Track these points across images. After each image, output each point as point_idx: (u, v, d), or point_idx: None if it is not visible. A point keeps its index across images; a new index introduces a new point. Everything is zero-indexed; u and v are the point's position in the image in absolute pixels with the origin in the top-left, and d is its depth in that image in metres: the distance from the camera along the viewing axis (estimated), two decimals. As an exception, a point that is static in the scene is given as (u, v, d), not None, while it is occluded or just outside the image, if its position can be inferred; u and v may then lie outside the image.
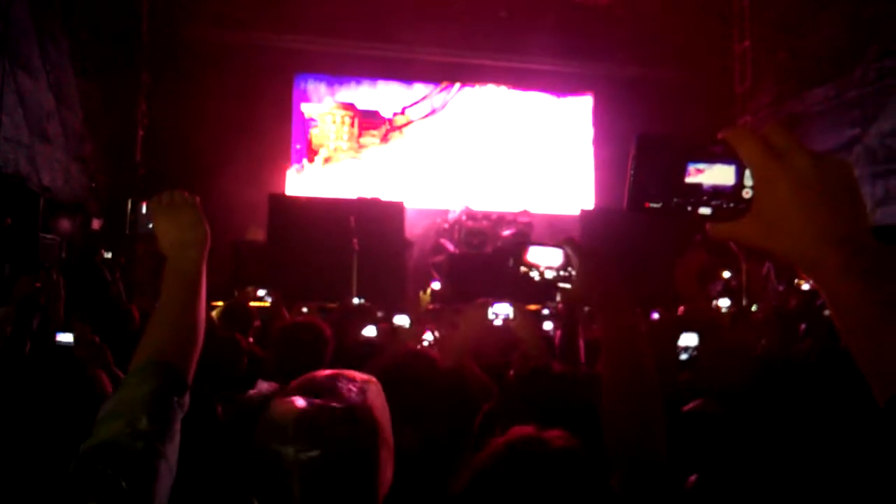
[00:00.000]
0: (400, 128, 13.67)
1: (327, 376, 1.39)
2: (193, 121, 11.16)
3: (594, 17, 13.00)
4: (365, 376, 1.42)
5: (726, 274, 8.86)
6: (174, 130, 11.21)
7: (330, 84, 13.44)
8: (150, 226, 1.56)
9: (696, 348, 3.00)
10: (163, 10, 11.66)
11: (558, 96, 14.20)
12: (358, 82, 13.51)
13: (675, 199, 0.79)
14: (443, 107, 13.84)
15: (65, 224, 9.10)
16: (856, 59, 10.09)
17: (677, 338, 3.04)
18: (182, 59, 11.44)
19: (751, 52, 12.67)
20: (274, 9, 11.91)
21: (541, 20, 12.86)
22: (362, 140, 13.46)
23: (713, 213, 0.79)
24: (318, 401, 1.30)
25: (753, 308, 6.91)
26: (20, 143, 7.79)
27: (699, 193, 0.79)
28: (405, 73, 13.42)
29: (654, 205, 0.79)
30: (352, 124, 13.45)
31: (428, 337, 4.52)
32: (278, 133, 12.87)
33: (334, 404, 1.30)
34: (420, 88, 13.77)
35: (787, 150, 0.74)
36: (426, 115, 13.78)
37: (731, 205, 0.78)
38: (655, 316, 6.52)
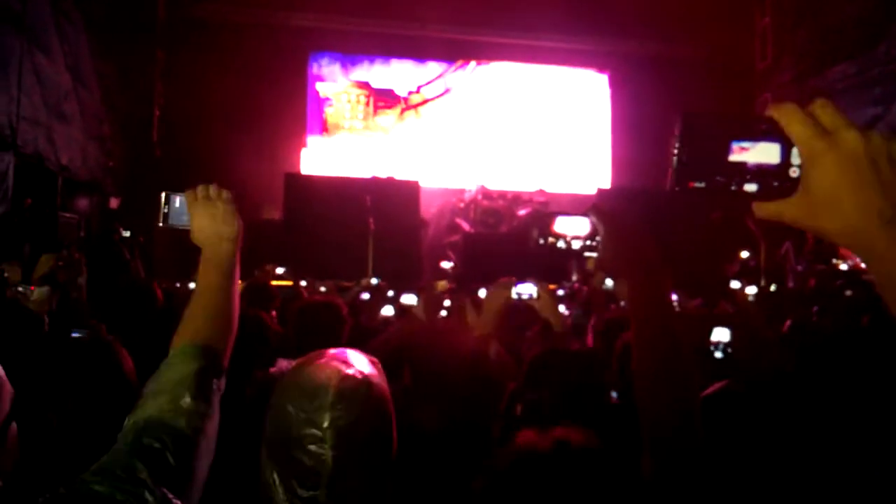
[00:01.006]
0: (415, 106, 13.61)
1: (339, 352, 1.42)
2: (209, 99, 11.18)
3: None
4: (368, 356, 1.45)
5: (744, 254, 8.80)
6: (190, 109, 11.24)
7: (344, 64, 13.38)
8: (185, 218, 1.62)
9: (728, 344, 2.90)
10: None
11: (574, 69, 14.05)
12: (371, 61, 13.45)
13: (718, 178, 0.78)
14: (458, 86, 13.76)
15: (83, 203, 9.18)
16: (878, 35, 9.92)
17: (709, 333, 2.94)
18: (197, 37, 11.46)
19: (771, 28, 12.49)
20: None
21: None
22: (377, 119, 13.42)
23: (758, 191, 0.78)
24: (349, 370, 1.33)
25: (772, 289, 6.86)
26: (38, 123, 7.83)
27: (743, 172, 0.78)
28: (419, 50, 13.34)
29: (699, 184, 0.78)
30: (367, 103, 13.41)
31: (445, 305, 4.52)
32: (293, 111, 12.87)
33: (364, 373, 1.34)
34: (434, 67, 13.69)
35: (836, 128, 0.73)
36: (441, 94, 13.70)
37: (776, 183, 0.77)
38: (674, 297, 6.48)
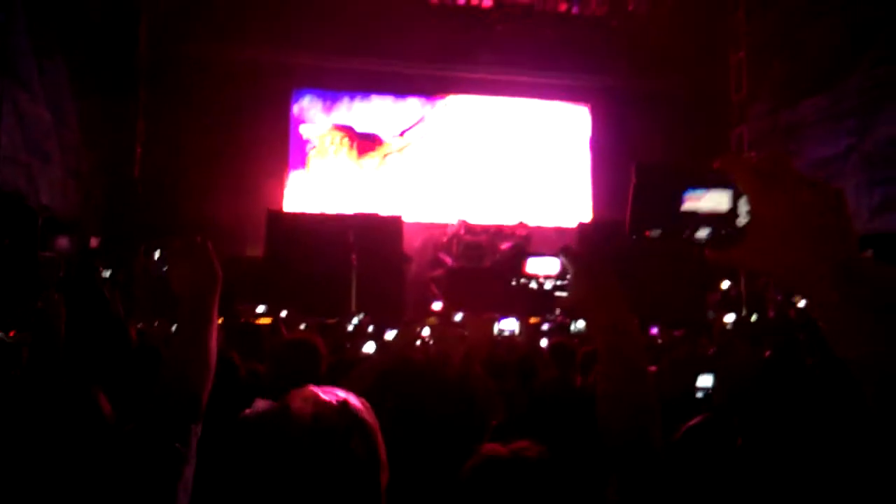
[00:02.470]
0: (398, 150, 13.59)
1: (322, 390, 1.40)
2: (191, 136, 11.19)
3: (590, 29, 13.06)
4: (352, 393, 1.43)
5: (725, 284, 8.86)
6: (172, 146, 11.24)
7: (325, 100, 13.41)
8: (165, 269, 1.66)
9: (711, 389, 2.98)
10: (160, 28, 11.72)
11: (554, 102, 14.18)
12: (352, 97, 13.49)
13: (671, 225, 0.82)
14: (439, 122, 13.76)
15: (63, 242, 9.10)
16: (851, 67, 10.14)
17: (695, 379, 3.01)
18: (179, 74, 11.50)
19: (746, 61, 12.74)
20: (270, 25, 11.96)
21: (537, 33, 12.93)
22: (361, 161, 13.41)
23: (708, 239, 0.82)
24: (333, 404, 1.31)
25: (753, 318, 6.91)
26: (19, 162, 7.80)
27: (696, 219, 0.82)
28: (402, 87, 13.45)
29: (654, 233, 0.83)
30: (350, 146, 13.41)
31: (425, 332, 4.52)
32: (276, 148, 12.90)
33: (351, 407, 1.31)
34: (415, 105, 13.74)
35: (781, 179, 0.78)
36: (423, 136, 13.67)
37: (724, 231, 0.81)
38: (654, 331, 6.51)
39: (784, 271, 0.80)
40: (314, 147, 13.28)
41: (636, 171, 0.84)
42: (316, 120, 13.39)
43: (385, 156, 13.51)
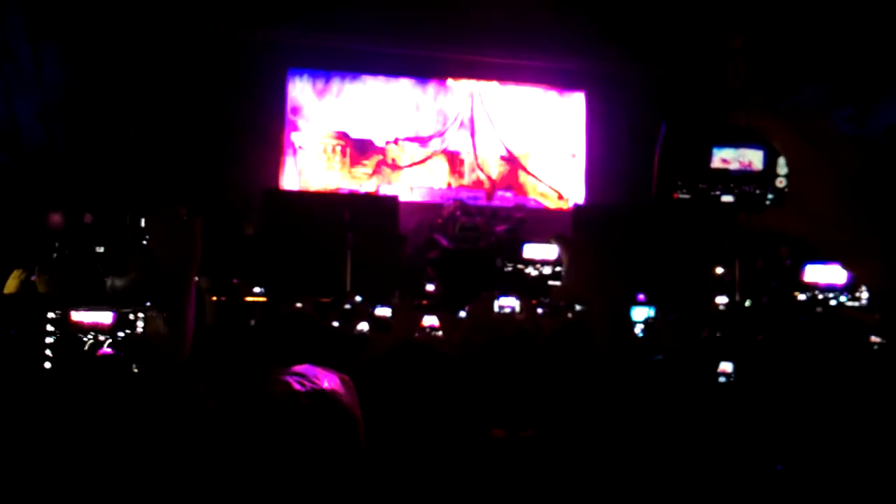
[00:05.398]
0: (393, 166, 13.38)
1: (298, 368, 1.39)
2: (186, 115, 11.11)
3: (587, 14, 12.98)
4: (337, 373, 1.42)
5: (719, 269, 8.88)
6: (166, 125, 11.17)
7: (316, 81, 13.21)
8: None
9: (731, 374, 2.95)
10: (155, 7, 11.61)
11: (549, 90, 14.09)
12: (342, 79, 13.30)
13: (700, 185, 0.75)
14: (438, 152, 13.62)
15: (56, 219, 9.06)
16: (850, 55, 10.11)
17: (716, 364, 2.99)
18: (174, 54, 11.40)
19: (743, 48, 12.67)
20: (265, 3, 11.87)
21: (533, 17, 12.84)
22: (354, 171, 13.19)
23: (739, 201, 0.75)
24: (307, 384, 1.30)
25: (747, 303, 6.94)
26: (12, 138, 7.75)
27: (726, 178, 0.76)
28: (394, 68, 13.31)
29: (683, 196, 0.76)
30: (343, 153, 13.22)
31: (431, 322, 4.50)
32: (272, 127, 12.81)
33: (325, 388, 1.30)
34: (408, 87, 13.62)
35: (825, 138, 0.71)
36: (420, 162, 13.53)
37: (759, 191, 0.75)
38: (641, 297, 6.50)
39: (829, 238, 0.70)
40: (306, 153, 13.03)
41: (666, 126, 0.76)
42: (307, 114, 13.15)
43: (378, 164, 13.29)
